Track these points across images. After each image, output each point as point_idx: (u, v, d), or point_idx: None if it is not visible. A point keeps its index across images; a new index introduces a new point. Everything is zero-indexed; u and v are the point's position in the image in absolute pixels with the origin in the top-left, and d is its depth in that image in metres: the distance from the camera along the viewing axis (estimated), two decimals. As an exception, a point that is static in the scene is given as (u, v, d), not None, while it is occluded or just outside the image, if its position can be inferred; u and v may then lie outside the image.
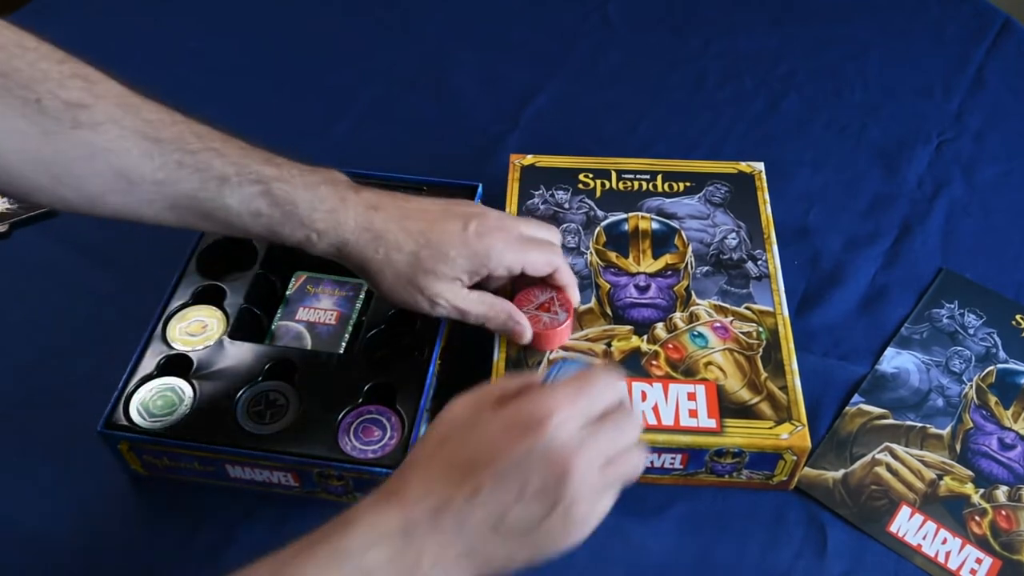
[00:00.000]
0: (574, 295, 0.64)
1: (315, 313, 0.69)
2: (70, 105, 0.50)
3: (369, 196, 0.59)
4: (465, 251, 0.59)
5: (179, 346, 0.64)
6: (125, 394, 0.61)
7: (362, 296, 0.70)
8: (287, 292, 0.71)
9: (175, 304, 0.67)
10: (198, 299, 0.67)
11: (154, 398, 0.61)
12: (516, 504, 0.43)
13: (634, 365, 0.62)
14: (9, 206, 0.80)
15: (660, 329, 0.64)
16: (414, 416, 0.60)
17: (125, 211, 0.55)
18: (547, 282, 0.64)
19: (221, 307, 0.67)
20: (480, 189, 0.74)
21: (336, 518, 0.44)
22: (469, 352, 0.67)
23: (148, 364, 0.63)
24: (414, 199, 0.61)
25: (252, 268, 0.69)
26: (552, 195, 0.73)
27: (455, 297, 0.60)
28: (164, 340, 0.64)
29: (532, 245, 0.62)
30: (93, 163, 0.52)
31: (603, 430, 0.46)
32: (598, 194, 0.73)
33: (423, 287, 0.58)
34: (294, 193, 0.56)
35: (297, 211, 0.56)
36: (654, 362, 0.62)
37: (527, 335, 0.62)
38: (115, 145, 0.52)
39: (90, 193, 0.53)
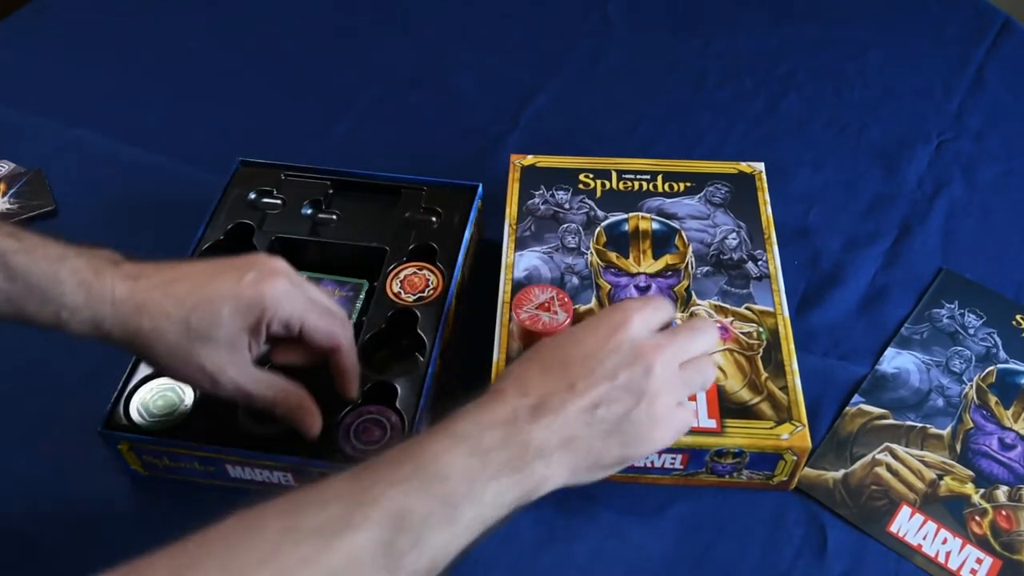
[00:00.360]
0: (351, 386, 0.59)
1: (315, 313, 0.69)
2: None
3: (131, 267, 0.53)
4: (238, 304, 0.52)
5: (179, 346, 0.64)
6: (125, 394, 0.61)
7: (362, 296, 0.70)
8: (287, 292, 0.71)
9: (175, 304, 0.66)
10: (198, 299, 0.67)
11: (154, 398, 0.61)
12: (607, 395, 0.48)
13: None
14: (9, 206, 0.80)
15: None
16: (414, 416, 0.60)
17: None
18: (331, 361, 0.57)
19: (221, 307, 0.67)
20: (480, 189, 0.74)
21: (443, 420, 0.46)
22: (469, 352, 0.67)
23: (148, 364, 0.63)
24: (188, 262, 0.55)
25: (252, 268, 0.69)
26: (552, 195, 0.73)
27: (239, 373, 0.53)
28: (164, 340, 0.64)
29: (319, 309, 0.55)
30: None
31: (678, 334, 0.52)
32: (598, 194, 0.73)
33: (202, 360, 0.52)
34: (35, 265, 0.51)
35: (39, 285, 0.51)
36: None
37: (316, 429, 0.57)
38: None
39: None
